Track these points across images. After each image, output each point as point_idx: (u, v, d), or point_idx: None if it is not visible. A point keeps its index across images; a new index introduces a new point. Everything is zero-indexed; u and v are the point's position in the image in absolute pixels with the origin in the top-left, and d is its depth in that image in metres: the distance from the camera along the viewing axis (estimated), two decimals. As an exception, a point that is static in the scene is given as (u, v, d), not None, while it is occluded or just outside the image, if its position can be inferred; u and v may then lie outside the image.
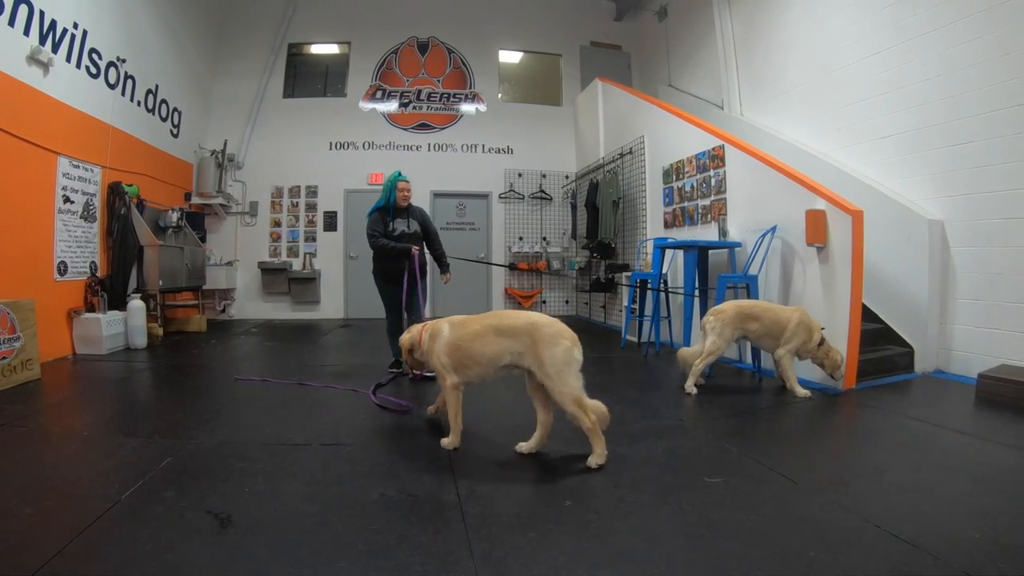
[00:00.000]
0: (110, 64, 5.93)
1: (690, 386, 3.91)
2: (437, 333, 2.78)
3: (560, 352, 2.49)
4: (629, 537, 1.88)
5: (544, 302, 9.45)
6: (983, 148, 4.27)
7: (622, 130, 7.55)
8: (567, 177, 9.45)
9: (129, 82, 6.29)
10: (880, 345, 4.67)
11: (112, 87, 5.99)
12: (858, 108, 5.28)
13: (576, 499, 2.16)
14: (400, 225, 4.45)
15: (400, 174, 4.51)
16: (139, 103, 6.56)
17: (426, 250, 4.66)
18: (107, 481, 2.27)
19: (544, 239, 9.46)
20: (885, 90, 4.99)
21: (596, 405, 2.52)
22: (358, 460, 2.56)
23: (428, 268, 4.74)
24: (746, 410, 3.59)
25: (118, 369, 4.86)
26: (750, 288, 4.54)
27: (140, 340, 5.72)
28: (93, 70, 5.67)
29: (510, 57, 9.81)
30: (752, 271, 4.64)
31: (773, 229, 4.57)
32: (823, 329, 3.91)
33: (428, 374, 3.91)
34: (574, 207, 8.90)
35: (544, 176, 9.43)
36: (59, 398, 3.90)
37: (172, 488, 2.20)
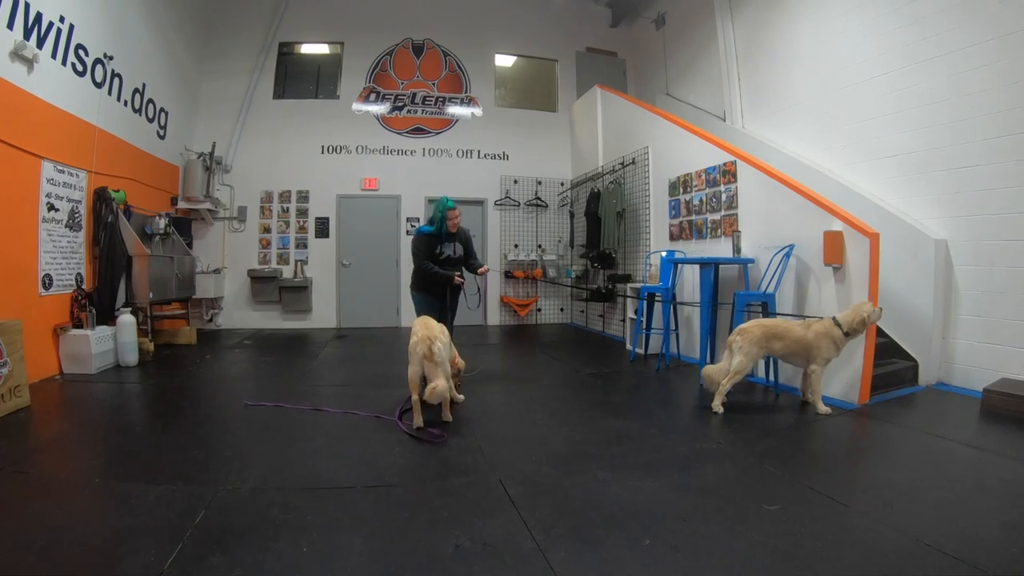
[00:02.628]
0: (97, 61, 5.58)
1: (717, 405, 3.92)
2: None
3: (409, 344, 3.60)
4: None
5: (539, 310, 9.41)
6: (988, 172, 4.40)
7: (623, 139, 7.55)
8: (562, 184, 9.43)
9: (116, 80, 5.93)
10: (887, 359, 4.78)
11: (99, 86, 5.63)
12: (863, 127, 5.39)
13: (653, 536, 2.14)
14: (447, 249, 4.59)
15: (449, 201, 4.52)
16: (126, 103, 6.20)
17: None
18: (139, 546, 2.00)
19: (540, 247, 9.41)
20: (891, 111, 5.10)
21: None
22: (414, 505, 2.42)
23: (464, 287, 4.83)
24: (776, 429, 3.62)
25: (112, 392, 4.56)
26: (768, 306, 4.58)
27: (131, 357, 5.41)
28: (79, 67, 5.32)
29: (506, 61, 9.71)
30: (769, 289, 4.68)
31: (791, 248, 4.61)
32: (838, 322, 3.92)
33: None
34: (572, 215, 8.87)
35: (540, 183, 9.38)
36: (55, 432, 3.57)
37: (219, 552, 1.98)
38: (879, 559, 1.99)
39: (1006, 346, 4.34)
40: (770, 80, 6.57)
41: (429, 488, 2.62)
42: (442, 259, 4.56)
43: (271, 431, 3.51)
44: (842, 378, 4.27)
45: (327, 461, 2.97)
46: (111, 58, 5.80)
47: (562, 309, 9.54)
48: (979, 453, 3.17)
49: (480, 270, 4.72)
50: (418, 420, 3.47)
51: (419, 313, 4.54)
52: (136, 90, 6.45)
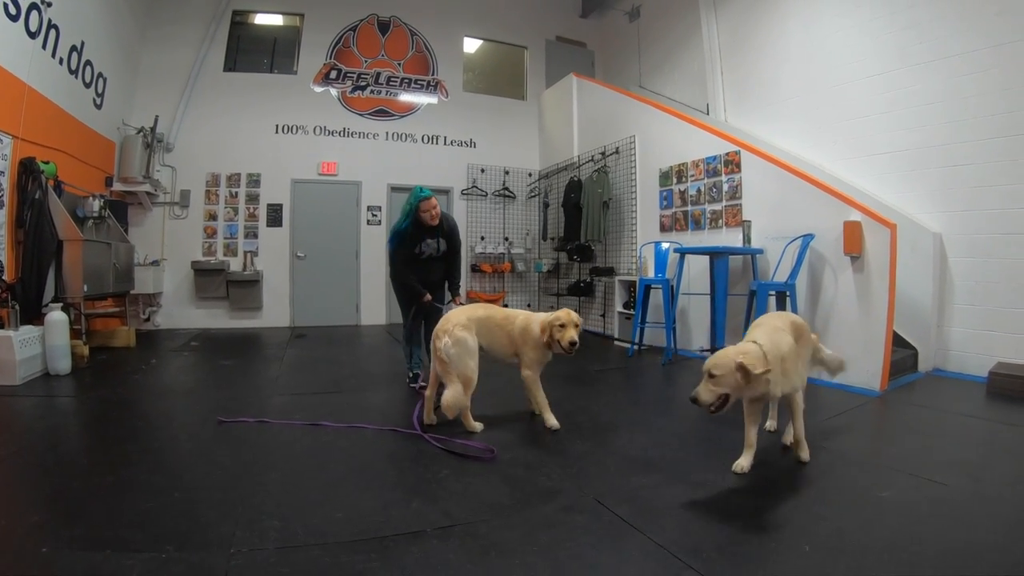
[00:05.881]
0: (32, 6, 4.62)
1: None
2: None
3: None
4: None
5: (506, 306, 9.07)
6: (982, 170, 4.58)
7: (604, 128, 7.39)
8: (530, 175, 9.15)
9: (52, 33, 4.95)
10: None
11: (33, 36, 4.67)
12: (856, 124, 5.49)
13: (810, 541, 1.93)
14: (428, 248, 3.98)
15: (423, 191, 3.85)
16: (61, 61, 5.20)
17: None
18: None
19: (507, 239, 9.07)
20: (885, 109, 5.23)
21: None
22: (515, 546, 1.89)
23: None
24: (829, 417, 3.56)
25: (44, 410, 3.66)
26: (790, 296, 4.54)
27: (63, 364, 4.47)
28: (12, 10, 4.38)
29: (474, 46, 9.31)
30: (787, 279, 4.63)
31: (810, 237, 4.59)
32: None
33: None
34: (547, 206, 8.61)
35: (507, 173, 9.04)
36: (-27, 471, 2.57)
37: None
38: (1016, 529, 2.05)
39: (1001, 332, 4.54)
40: (755, 75, 6.63)
41: (518, 521, 2.12)
42: (423, 258, 3.99)
43: (266, 457, 2.79)
44: (864, 367, 4.30)
45: (363, 496, 2.32)
46: (49, 5, 4.82)
47: (529, 304, 9.25)
48: (1014, 429, 3.32)
49: (455, 301, 4.15)
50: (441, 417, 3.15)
51: (405, 305, 4.16)
52: (74, 48, 5.43)
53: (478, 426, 3.20)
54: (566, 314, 3.18)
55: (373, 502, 2.26)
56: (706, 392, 2.37)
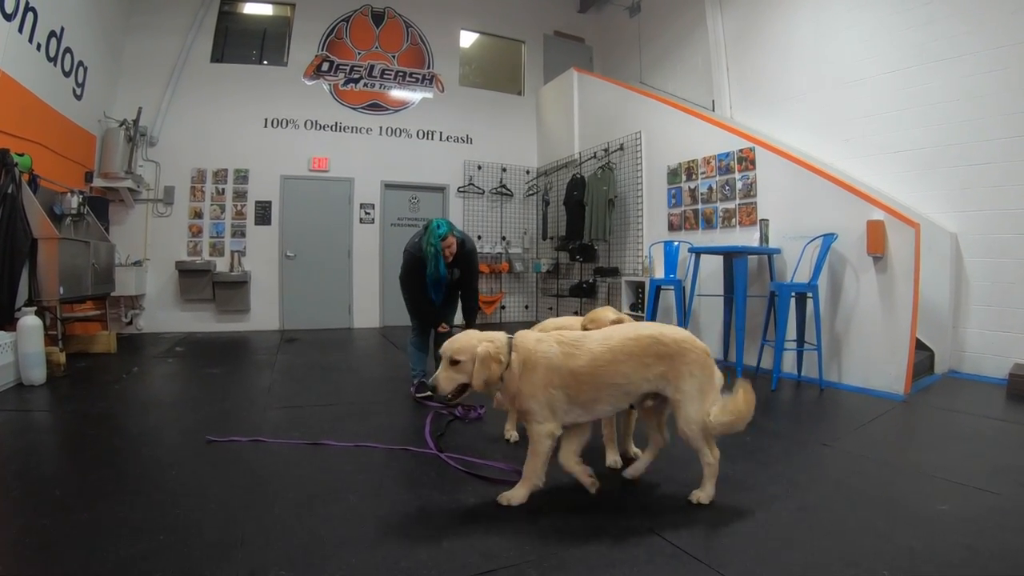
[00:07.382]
0: None
1: None
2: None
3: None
4: None
5: (503, 307, 8.85)
6: (1000, 170, 4.49)
7: (607, 124, 7.20)
8: (528, 172, 8.94)
9: (29, 16, 4.60)
10: (902, 350, 4.79)
11: (8, 18, 4.32)
12: (869, 122, 5.37)
13: (890, 566, 1.74)
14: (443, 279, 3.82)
15: (440, 228, 3.58)
16: (39, 46, 4.85)
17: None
18: None
19: (504, 239, 8.84)
20: (903, 107, 5.09)
21: None
22: None
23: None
24: (861, 424, 3.47)
25: (15, 425, 3.29)
26: (813, 297, 4.38)
27: (38, 373, 4.13)
28: (-15, -10, 4.03)
29: (471, 39, 9.07)
30: (808, 279, 4.48)
31: (832, 237, 4.43)
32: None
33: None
34: (547, 203, 8.40)
35: (505, 170, 8.81)
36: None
37: None
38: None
39: (1017, 333, 4.46)
40: (763, 71, 6.48)
41: (569, 559, 1.84)
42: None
43: (264, 485, 2.44)
44: (887, 370, 4.19)
45: (383, 534, 2.01)
46: (26, -16, 4.46)
47: (527, 306, 9.04)
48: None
49: (442, 328, 3.85)
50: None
51: (410, 313, 3.98)
52: (52, 33, 5.07)
53: (514, 435, 3.02)
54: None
55: (396, 540, 1.95)
56: (446, 380, 2.17)
